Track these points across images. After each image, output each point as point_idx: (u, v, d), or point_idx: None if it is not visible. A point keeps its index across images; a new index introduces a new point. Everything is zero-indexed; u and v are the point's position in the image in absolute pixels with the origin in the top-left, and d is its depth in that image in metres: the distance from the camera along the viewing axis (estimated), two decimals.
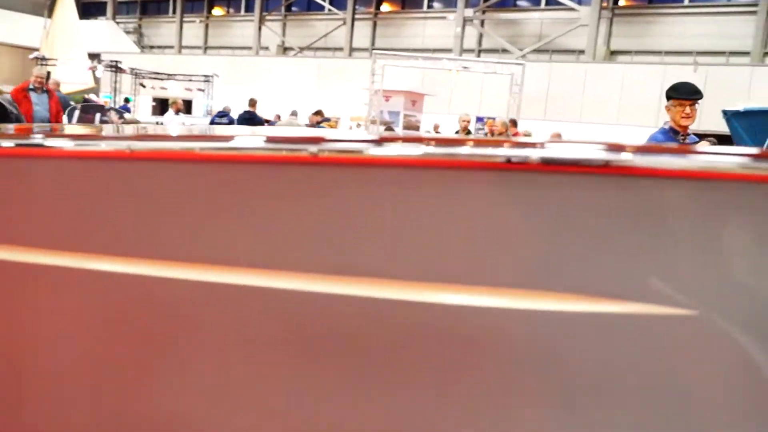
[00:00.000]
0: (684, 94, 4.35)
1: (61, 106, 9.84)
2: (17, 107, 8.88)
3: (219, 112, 13.21)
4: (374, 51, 13.48)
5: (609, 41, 28.30)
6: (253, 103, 12.68)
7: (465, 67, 14.02)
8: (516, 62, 13.64)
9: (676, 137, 4.54)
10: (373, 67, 12.72)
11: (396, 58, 14.50)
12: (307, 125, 12.42)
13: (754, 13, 25.40)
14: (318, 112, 12.84)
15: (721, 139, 24.19)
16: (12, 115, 8.33)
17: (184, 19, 39.43)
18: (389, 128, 12.25)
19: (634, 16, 28.35)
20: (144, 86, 24.63)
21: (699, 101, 4.38)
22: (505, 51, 29.43)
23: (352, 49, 33.31)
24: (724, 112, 8.15)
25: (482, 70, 14.24)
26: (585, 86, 25.56)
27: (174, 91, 27.80)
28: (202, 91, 25.94)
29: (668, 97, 4.47)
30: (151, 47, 41.75)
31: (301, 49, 35.48)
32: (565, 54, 28.61)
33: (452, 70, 14.30)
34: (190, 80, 26.69)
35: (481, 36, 30.98)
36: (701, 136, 6.42)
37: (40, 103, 9.06)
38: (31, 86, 9.13)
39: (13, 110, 8.50)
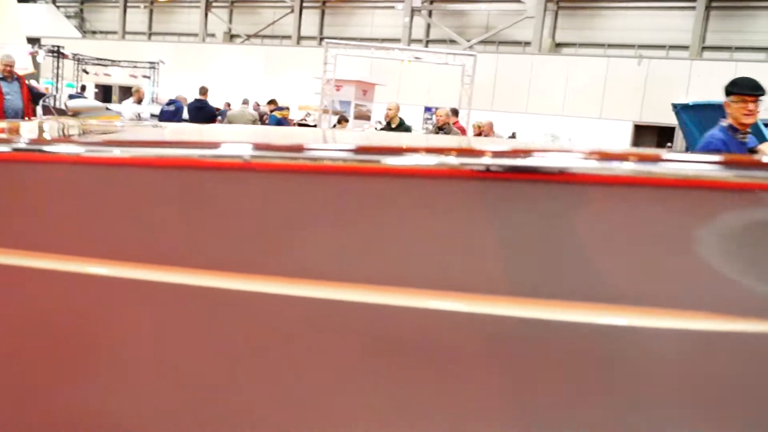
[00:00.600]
0: (746, 89, 4.03)
1: (30, 95, 9.19)
2: None
3: (170, 100, 12.83)
4: (327, 41, 13.39)
5: (554, 33, 28.76)
6: (204, 91, 12.46)
7: (417, 58, 14.07)
8: (467, 53, 13.73)
9: (735, 135, 4.22)
10: (326, 56, 12.63)
11: (348, 47, 14.43)
12: (260, 114, 12.33)
13: (692, 8, 26.17)
14: (272, 101, 12.73)
15: (664, 131, 24.91)
16: None
17: (128, 4, 38.39)
18: (343, 118, 12.22)
19: (579, 9, 28.87)
20: (87, 72, 23.91)
21: (762, 98, 4.03)
22: (452, 42, 29.62)
23: (300, 38, 33.02)
24: (674, 105, 8.39)
25: (433, 61, 14.29)
26: (531, 77, 25.95)
27: (118, 78, 27.14)
28: (148, 78, 25.34)
29: (728, 93, 4.12)
30: (94, 32, 40.57)
31: (249, 36, 35.00)
32: (511, 45, 28.97)
33: (404, 60, 14.32)
34: (135, 67, 26.07)
35: (429, 26, 31.10)
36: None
37: (11, 93, 8.52)
38: (0, 76, 8.52)
39: None
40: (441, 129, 8.96)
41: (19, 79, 8.80)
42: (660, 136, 25.37)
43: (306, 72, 29.15)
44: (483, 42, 29.27)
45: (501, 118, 20.36)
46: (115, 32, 38.86)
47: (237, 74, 30.72)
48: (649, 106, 24.67)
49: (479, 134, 11.52)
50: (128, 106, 11.88)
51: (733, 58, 25.02)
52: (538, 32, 27.40)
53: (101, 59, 26.74)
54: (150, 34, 38.89)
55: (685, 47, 26.24)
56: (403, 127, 9.45)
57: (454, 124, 11.44)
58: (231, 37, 36.20)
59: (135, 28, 38.82)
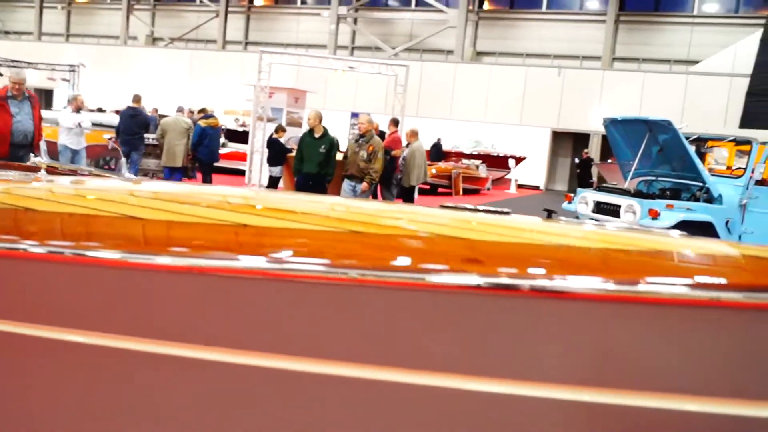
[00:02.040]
0: None
1: (40, 114, 8.18)
2: None
3: (129, 107, 12.32)
4: (262, 50, 13.51)
5: (475, 43, 29.74)
6: (137, 99, 12.24)
7: (351, 68, 14.36)
8: (399, 63, 14.16)
9: None
10: (260, 65, 12.75)
11: (283, 56, 14.61)
12: (193, 121, 12.17)
13: (603, 21, 27.62)
14: (202, 110, 12.61)
15: (579, 137, 25.99)
16: None
17: (44, 4, 37.09)
18: (281, 128, 12.26)
19: (498, 20, 29.97)
20: (1, 74, 23.02)
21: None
22: (378, 49, 30.14)
23: (225, 42, 32.81)
24: (604, 120, 8.99)
25: (367, 71, 14.65)
26: (454, 85, 26.74)
27: (35, 81, 26.23)
28: (67, 81, 24.58)
29: None
30: (7, 33, 38.95)
31: (173, 40, 34.47)
32: (435, 53, 29.75)
33: (337, 69, 14.61)
34: (54, 69, 25.22)
35: (354, 33, 31.53)
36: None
37: (21, 113, 7.55)
38: (9, 93, 7.54)
39: None
40: (362, 137, 8.85)
41: (31, 98, 7.85)
42: (575, 142, 26.65)
43: (231, 76, 29.07)
44: (408, 50, 29.92)
45: (426, 124, 20.93)
46: (30, 33, 37.46)
47: (161, 78, 30.22)
48: (565, 114, 25.86)
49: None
50: (67, 116, 11.17)
51: (641, 69, 26.57)
52: (461, 41, 28.25)
53: (17, 61, 25.79)
54: (68, 36, 37.72)
55: (597, 58, 27.64)
56: (326, 137, 9.14)
57: (392, 134, 11.71)
58: (154, 40, 35.56)
59: (52, 29, 37.55)
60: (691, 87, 24.27)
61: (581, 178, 22.30)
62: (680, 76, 24.93)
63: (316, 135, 9.03)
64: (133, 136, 11.86)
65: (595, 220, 8.42)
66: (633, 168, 8.70)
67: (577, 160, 22.80)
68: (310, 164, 8.99)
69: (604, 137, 25.76)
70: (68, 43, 36.16)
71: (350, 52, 31.10)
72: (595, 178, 23.06)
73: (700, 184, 8.39)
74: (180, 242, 1.63)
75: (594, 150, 25.03)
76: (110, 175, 3.10)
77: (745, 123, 20.39)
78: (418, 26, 30.45)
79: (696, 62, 25.79)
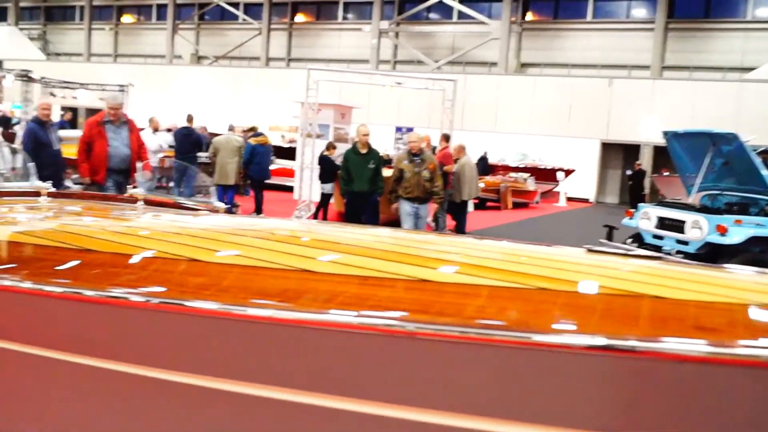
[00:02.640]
0: None
1: (141, 140, 8.08)
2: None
3: (184, 127, 12.59)
4: (309, 67, 13.49)
5: (519, 54, 29.38)
6: (190, 119, 12.47)
7: (398, 83, 14.23)
8: (447, 78, 14.00)
9: None
10: (308, 82, 12.74)
11: (331, 72, 14.59)
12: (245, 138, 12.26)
13: (651, 29, 27.00)
14: (252, 128, 12.75)
15: (629, 149, 25.39)
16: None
17: (93, 26, 38.12)
18: (332, 145, 12.18)
19: (542, 31, 29.58)
20: (54, 95, 23.61)
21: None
22: (420, 62, 30.04)
23: (268, 59, 33.15)
24: (665, 133, 8.67)
25: (414, 86, 14.52)
26: (499, 97, 26.43)
27: (86, 101, 26.82)
28: None
29: None
30: (57, 54, 40.11)
31: (216, 58, 35.00)
32: (478, 66, 29.48)
33: (385, 85, 14.48)
34: (104, 89, 25.74)
35: (396, 47, 31.51)
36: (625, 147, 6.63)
37: (117, 138, 7.38)
38: (105, 118, 7.39)
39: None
40: (416, 155, 8.29)
41: (128, 122, 7.66)
42: (625, 153, 26.03)
43: (274, 93, 29.29)
44: (450, 63, 29.74)
45: (471, 138, 20.67)
46: (79, 54, 38.48)
47: (205, 96, 30.65)
48: (614, 125, 25.30)
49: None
50: (149, 137, 11.53)
51: (692, 77, 25.87)
52: (504, 53, 27.98)
53: (68, 82, 26.45)
54: (116, 56, 38.60)
55: (646, 67, 27.02)
56: (373, 153, 8.83)
57: (443, 149, 11.53)
58: (198, 58, 36.15)
59: (100, 50, 38.52)
60: (745, 95, 23.52)
61: (633, 190, 21.73)
62: (734, 84, 24.19)
63: (363, 151, 8.77)
64: (188, 154, 11.98)
65: (659, 237, 8.09)
66: (698, 182, 8.34)
67: (629, 172, 22.23)
68: (361, 182, 8.74)
69: (655, 148, 25.19)
70: (116, 64, 37.02)
71: (392, 66, 31.05)
72: (647, 191, 22.45)
73: None
74: (347, 298, 1.56)
75: (645, 161, 24.40)
76: (207, 207, 3.03)
77: None
78: (460, 39, 30.25)
79: (751, 69, 24.98)
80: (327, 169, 11.50)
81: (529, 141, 25.25)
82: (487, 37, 28.52)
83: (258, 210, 11.80)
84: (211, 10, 35.93)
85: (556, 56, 28.84)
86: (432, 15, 31.52)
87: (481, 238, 2.17)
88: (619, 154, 26.31)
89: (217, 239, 1.93)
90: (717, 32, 26.78)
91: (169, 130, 20.09)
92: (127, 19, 39.07)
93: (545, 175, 22.84)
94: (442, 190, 8.64)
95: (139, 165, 7.61)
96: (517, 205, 19.59)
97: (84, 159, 7.37)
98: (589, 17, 28.57)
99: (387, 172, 9.39)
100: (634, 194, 21.65)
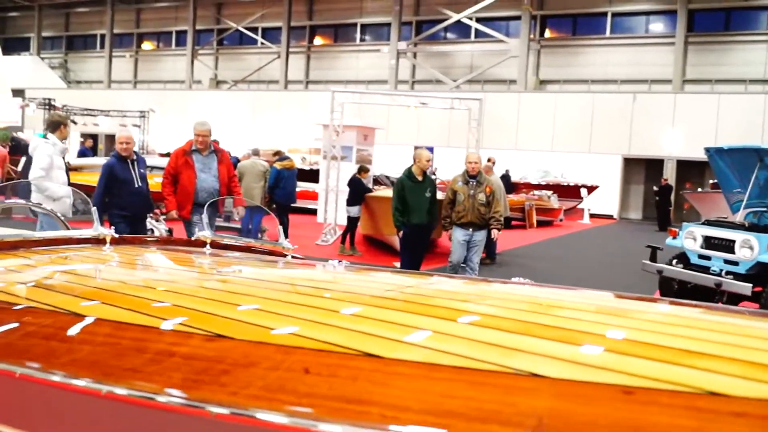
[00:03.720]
0: None
1: (234, 171, 7.25)
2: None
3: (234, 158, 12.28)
4: (334, 90, 13.42)
5: (538, 71, 29.27)
6: (215, 144, 12.36)
7: (423, 103, 14.08)
8: (473, 97, 13.87)
9: None
10: (332, 104, 12.66)
11: (354, 94, 14.52)
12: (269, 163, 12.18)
13: (672, 43, 26.81)
14: (277, 152, 12.62)
15: (651, 163, 25.01)
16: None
17: (113, 53, 38.57)
18: (364, 168, 12.02)
19: (560, 47, 29.48)
20: (75, 123, 23.83)
21: None
22: (438, 81, 30.02)
23: (287, 82, 33.29)
24: (707, 150, 8.44)
25: (440, 106, 14.39)
26: (519, 114, 26.29)
27: (107, 127, 27.09)
28: (138, 126, 25.27)
29: None
30: (78, 82, 40.61)
31: (235, 82, 35.22)
32: (496, 84, 29.41)
33: (410, 106, 14.36)
34: (125, 116, 25.98)
35: (414, 67, 31.53)
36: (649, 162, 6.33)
37: (205, 170, 6.65)
38: (193, 147, 6.67)
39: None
40: (473, 177, 7.62)
41: (218, 152, 6.88)
42: (648, 168, 25.74)
43: (293, 115, 29.40)
44: (469, 81, 29.69)
45: (491, 156, 20.54)
46: (99, 81, 38.92)
47: (225, 119, 30.76)
48: (636, 140, 25.05)
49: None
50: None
51: (714, 90, 25.60)
52: (523, 70, 27.87)
53: (89, 109, 26.71)
54: (135, 82, 39.02)
55: (667, 81, 26.79)
56: (428, 180, 7.94)
57: (486, 172, 11.35)
58: (217, 83, 36.42)
59: (120, 77, 38.94)
60: None
61: (660, 206, 21.41)
62: (758, 96, 23.89)
63: (419, 178, 7.81)
64: None
65: (705, 257, 7.84)
66: (745, 199, 8.10)
67: (655, 188, 21.91)
68: (419, 214, 7.76)
69: (678, 162, 24.91)
70: (136, 90, 37.43)
71: (411, 86, 31.07)
72: (672, 206, 22.12)
73: None
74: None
75: (669, 176, 24.09)
76: (275, 250, 2.87)
77: None
78: (478, 57, 30.21)
79: None
80: (357, 192, 11.36)
81: (551, 158, 25.06)
82: (506, 55, 28.47)
83: (285, 234, 11.67)
84: (230, 35, 36.24)
85: (575, 72, 28.69)
86: (449, 35, 31.55)
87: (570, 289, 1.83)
88: (641, 169, 26.03)
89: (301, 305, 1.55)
90: (738, 44, 26.54)
91: None
92: (147, 45, 39.50)
93: (568, 192, 22.60)
94: (502, 215, 7.92)
95: (229, 200, 7.11)
96: (541, 224, 19.34)
97: (170, 192, 6.68)
98: (607, 33, 28.45)
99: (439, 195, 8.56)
100: (661, 210, 21.35)
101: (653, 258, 8.52)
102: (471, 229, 7.65)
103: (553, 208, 20.42)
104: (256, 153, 12.21)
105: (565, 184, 22.90)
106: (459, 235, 7.68)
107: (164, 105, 31.41)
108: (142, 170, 6.63)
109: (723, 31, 26.80)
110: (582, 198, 22.92)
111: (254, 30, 35.11)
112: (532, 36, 28.57)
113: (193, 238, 2.71)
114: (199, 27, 36.14)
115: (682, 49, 26.51)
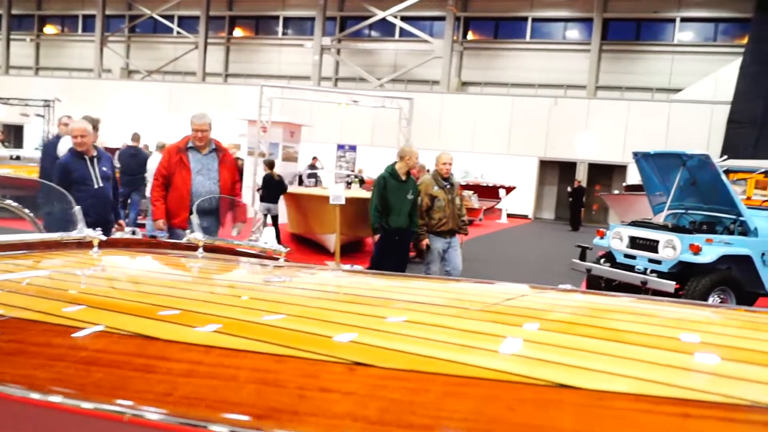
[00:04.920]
0: None
1: (238, 173, 6.30)
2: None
3: (129, 146, 11.95)
4: (263, 85, 13.12)
5: (460, 73, 29.80)
6: (137, 137, 11.89)
7: (354, 101, 13.99)
8: (404, 96, 13.92)
9: None
10: (261, 99, 12.37)
11: (284, 89, 14.24)
12: None
13: (587, 51, 27.90)
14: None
15: (565, 166, 25.96)
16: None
17: (12, 36, 36.34)
18: (272, 163, 11.85)
19: (482, 50, 30.11)
20: None
21: None
22: (362, 80, 30.02)
23: (205, 74, 32.40)
24: (635, 154, 8.78)
25: (371, 104, 14.35)
26: (441, 115, 26.67)
27: (4, 116, 25.48)
28: (42, 116, 23.86)
29: None
30: None
31: (149, 72, 33.96)
32: (420, 84, 29.72)
33: (340, 103, 14.24)
34: (27, 104, 24.48)
35: (338, 64, 31.40)
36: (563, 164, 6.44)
37: (204, 171, 5.66)
38: (190, 144, 5.70)
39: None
40: (446, 180, 7.14)
41: (219, 151, 5.83)
42: (561, 170, 26.71)
43: (212, 110, 28.54)
44: (393, 81, 29.85)
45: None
46: None
47: (138, 112, 29.67)
48: (552, 143, 25.94)
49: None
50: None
51: (624, 97, 26.84)
52: (446, 71, 28.28)
53: None
54: (37, 69, 36.95)
55: (581, 87, 27.86)
56: (411, 181, 7.23)
57: (419, 172, 11.33)
58: (129, 72, 35.01)
59: (20, 63, 36.77)
60: (673, 115, 24.56)
61: (573, 206, 22.27)
62: (663, 104, 25.23)
63: (403, 178, 7.09)
64: (135, 176, 11.43)
65: (631, 256, 8.19)
66: (668, 201, 8.51)
67: (569, 189, 22.76)
68: (400, 217, 7.02)
69: (590, 165, 25.96)
70: (38, 77, 35.41)
71: (334, 83, 30.93)
72: (584, 207, 23.05)
73: (733, 216, 8.23)
74: None
75: (581, 178, 25.09)
76: (268, 254, 2.71)
77: (726, 150, 20.57)
78: (402, 57, 30.43)
79: (678, 90, 26.14)
80: (269, 189, 11.31)
81: (471, 158, 25.55)
82: (430, 55, 28.79)
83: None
84: (143, 22, 34.88)
85: (496, 75, 29.40)
86: (374, 32, 31.63)
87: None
88: (555, 172, 26.99)
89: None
90: (647, 54, 27.95)
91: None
92: (50, 29, 37.49)
93: (487, 192, 23.11)
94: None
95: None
96: None
97: (159, 197, 5.68)
98: (527, 38, 29.29)
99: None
100: (573, 211, 22.22)
101: (582, 257, 8.85)
102: (448, 237, 7.16)
103: (473, 207, 20.82)
104: (161, 148, 11.84)
105: (485, 184, 23.39)
106: (438, 244, 7.13)
107: (71, 94, 29.78)
108: (105, 169, 5.82)
109: (634, 40, 28.16)
110: (500, 198, 23.50)
111: (170, 18, 33.92)
112: (455, 37, 29.04)
113: (184, 240, 2.53)
114: (108, 12, 34.46)
115: (596, 56, 27.64)
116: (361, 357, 1.10)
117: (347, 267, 2.10)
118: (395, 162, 7.25)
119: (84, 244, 2.18)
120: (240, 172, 10.93)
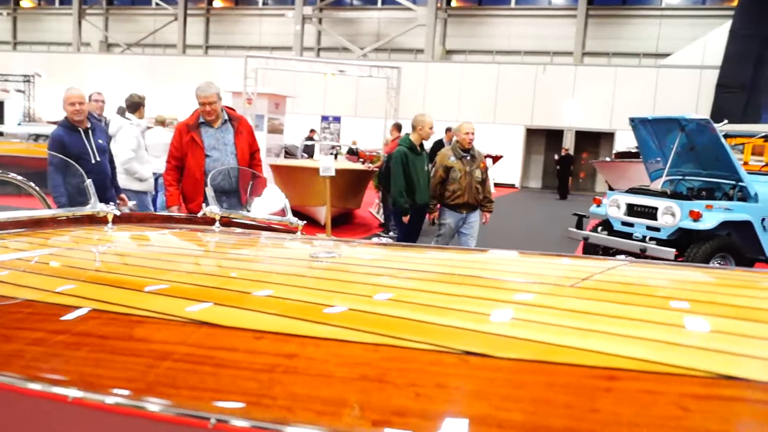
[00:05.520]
0: None
1: (257, 144, 5.39)
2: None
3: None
4: (248, 55, 12.75)
5: (444, 41, 29.36)
6: (122, 111, 11.48)
7: (341, 71, 13.65)
8: (391, 65, 13.60)
9: None
10: (246, 70, 12.03)
11: (268, 60, 13.87)
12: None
13: (573, 16, 27.55)
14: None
15: (552, 134, 25.87)
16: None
17: None
18: (311, 140, 11.47)
19: (467, 17, 29.65)
20: None
21: None
22: (345, 49, 29.53)
23: (185, 46, 31.74)
24: (631, 120, 8.59)
25: (357, 74, 14.02)
26: (426, 84, 26.33)
27: None
28: (22, 92, 23.30)
29: None
30: None
31: (129, 45, 33.22)
32: (404, 53, 29.27)
33: (326, 73, 13.90)
34: (6, 80, 23.91)
35: (320, 34, 30.84)
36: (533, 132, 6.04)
37: (219, 146, 5.00)
38: (201, 119, 5.00)
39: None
40: (467, 152, 6.61)
41: (234, 121, 5.11)
42: (548, 138, 26.54)
43: (193, 82, 27.95)
44: (376, 50, 29.38)
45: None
46: None
47: (119, 86, 28.99)
48: (539, 111, 25.72)
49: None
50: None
51: (611, 63, 26.59)
52: (430, 40, 27.85)
53: None
54: (15, 44, 36.03)
55: (568, 53, 27.56)
56: (425, 153, 6.95)
57: (395, 139, 11.12)
58: (109, 46, 34.22)
59: None
60: (662, 80, 24.39)
61: (561, 174, 22.14)
62: (651, 70, 25.03)
63: (418, 150, 6.67)
64: None
65: (629, 224, 8.05)
66: (667, 167, 8.36)
67: (556, 157, 22.61)
68: (424, 192, 6.61)
69: (577, 133, 25.80)
70: (16, 52, 34.59)
71: (317, 54, 30.41)
72: (572, 175, 22.94)
73: (732, 182, 8.10)
74: None
75: (568, 146, 24.95)
76: (285, 227, 2.51)
77: (715, 115, 20.47)
78: (385, 25, 29.93)
79: (666, 55, 25.94)
80: None
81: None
82: (413, 23, 28.32)
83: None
84: None
85: (481, 43, 29.00)
86: (356, 1, 31.04)
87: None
88: (542, 140, 26.81)
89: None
90: (634, 18, 27.65)
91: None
92: (27, 3, 36.50)
93: None
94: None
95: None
96: None
97: (172, 181, 5.08)
98: (512, 4, 28.86)
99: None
100: (561, 178, 22.10)
101: (579, 225, 8.70)
102: (464, 212, 6.64)
103: None
104: (161, 122, 11.45)
105: None
106: (451, 219, 6.64)
107: (50, 69, 29.18)
108: (100, 141, 5.31)
109: (620, 4, 27.82)
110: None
111: None
112: (439, 4, 28.54)
113: (200, 215, 2.33)
114: None
115: (583, 21, 27.30)
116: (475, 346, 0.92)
117: (382, 239, 1.88)
118: (409, 134, 6.77)
119: (96, 220, 2.01)
120: None
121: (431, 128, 6.71)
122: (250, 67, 12.09)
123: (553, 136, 26.09)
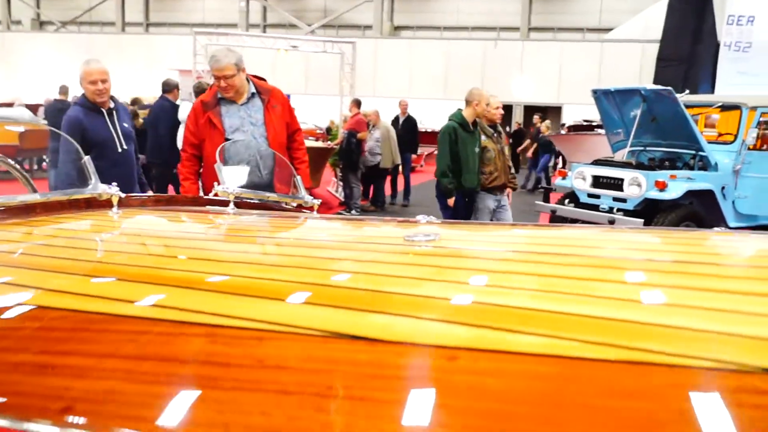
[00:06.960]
0: None
1: (297, 122, 4.24)
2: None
3: (57, 100, 10.92)
4: (195, 30, 12.33)
5: (392, 17, 29.14)
6: (64, 90, 11.02)
7: (294, 46, 13.34)
8: (346, 41, 13.37)
9: None
10: (195, 47, 11.62)
11: (219, 36, 13.45)
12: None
13: None
14: (135, 101, 11.56)
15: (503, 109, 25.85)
16: None
17: None
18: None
19: None
20: None
21: None
22: (292, 26, 28.99)
23: (124, 24, 30.61)
24: (594, 91, 8.62)
25: (311, 50, 13.74)
26: (376, 61, 26.11)
27: None
28: None
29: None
30: None
31: (64, 23, 31.82)
32: (351, 29, 28.92)
33: (279, 49, 13.57)
34: None
35: (265, 10, 30.18)
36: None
37: (245, 126, 3.89)
38: (219, 95, 3.88)
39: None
40: (494, 128, 6.19)
41: (263, 93, 3.97)
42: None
43: (134, 61, 27.09)
44: (324, 26, 28.95)
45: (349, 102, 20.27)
46: None
47: (53, 66, 27.80)
48: (488, 86, 25.80)
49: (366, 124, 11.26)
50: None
51: (556, 38, 26.89)
52: (378, 15, 27.60)
53: None
54: None
55: (515, 29, 27.73)
56: (477, 132, 5.88)
57: (355, 116, 10.99)
58: (41, 24, 32.71)
59: None
60: (606, 55, 24.80)
61: (513, 149, 22.33)
62: (595, 45, 25.42)
63: (471, 128, 5.84)
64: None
65: (595, 195, 8.15)
66: (630, 138, 8.47)
67: (508, 131, 22.80)
68: (474, 175, 5.84)
69: (525, 108, 26.06)
70: None
71: (263, 30, 29.75)
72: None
73: (692, 152, 8.27)
74: None
75: (519, 120, 25.20)
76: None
77: None
78: (333, 1, 29.47)
79: (609, 30, 26.37)
80: None
81: (409, 104, 25.18)
82: None
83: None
84: None
85: (428, 19, 28.89)
86: None
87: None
88: None
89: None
90: None
91: (8, 105, 17.84)
92: None
93: (427, 138, 22.92)
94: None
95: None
96: None
97: (189, 173, 4.03)
98: None
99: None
100: (514, 153, 22.30)
101: (546, 198, 8.77)
102: (499, 194, 6.06)
103: (417, 154, 20.63)
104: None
105: (424, 130, 23.16)
106: (490, 202, 6.01)
107: None
108: (125, 125, 4.43)
109: None
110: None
111: None
112: None
113: (212, 195, 2.06)
114: None
115: None
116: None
117: (429, 219, 1.68)
118: (462, 109, 5.93)
119: (97, 203, 1.75)
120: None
121: (488, 105, 5.92)
122: (199, 44, 11.70)
123: (505, 111, 26.29)
